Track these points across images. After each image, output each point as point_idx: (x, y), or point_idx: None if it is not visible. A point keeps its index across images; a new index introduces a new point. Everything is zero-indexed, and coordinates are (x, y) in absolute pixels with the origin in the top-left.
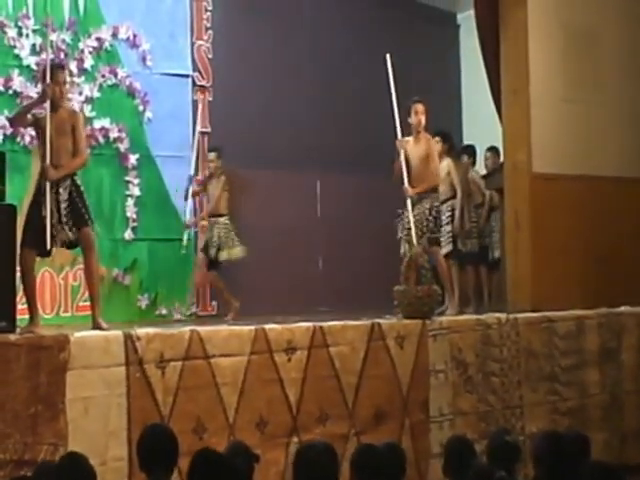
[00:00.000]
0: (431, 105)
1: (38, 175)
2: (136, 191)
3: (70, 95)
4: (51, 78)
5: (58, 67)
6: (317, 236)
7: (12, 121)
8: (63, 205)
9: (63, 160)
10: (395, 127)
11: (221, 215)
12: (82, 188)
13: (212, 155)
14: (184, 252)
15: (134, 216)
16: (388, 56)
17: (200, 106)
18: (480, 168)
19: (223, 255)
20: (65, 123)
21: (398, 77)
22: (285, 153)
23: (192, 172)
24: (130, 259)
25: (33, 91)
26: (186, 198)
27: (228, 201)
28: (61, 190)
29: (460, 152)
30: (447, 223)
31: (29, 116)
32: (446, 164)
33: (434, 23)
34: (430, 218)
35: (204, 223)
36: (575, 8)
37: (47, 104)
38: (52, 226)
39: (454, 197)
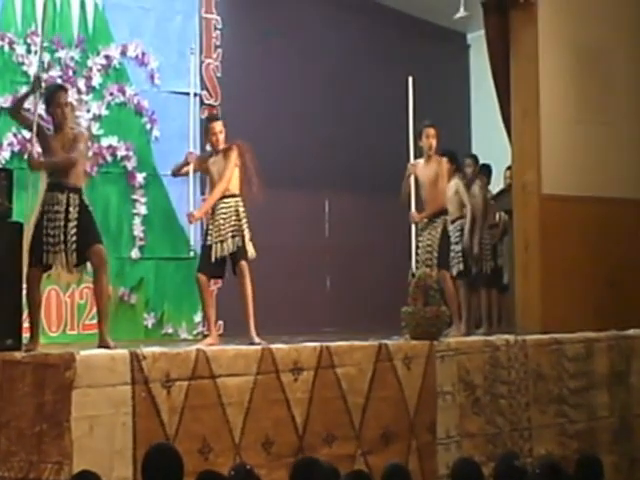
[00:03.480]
0: (439, 126)
1: (45, 192)
2: (143, 210)
3: (78, 113)
4: (53, 100)
5: (59, 88)
6: (325, 256)
7: (11, 111)
8: (71, 224)
9: (78, 178)
10: (408, 149)
11: (233, 195)
12: (91, 208)
13: (218, 124)
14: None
15: (141, 235)
16: (410, 79)
17: None
18: (498, 187)
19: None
20: (70, 142)
21: (407, 97)
22: (294, 172)
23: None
24: (137, 278)
25: (41, 108)
26: (174, 174)
27: (239, 180)
28: (71, 209)
29: (477, 171)
30: (456, 243)
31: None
32: (454, 183)
33: (444, 43)
34: (441, 241)
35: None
36: (586, 28)
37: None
38: (56, 245)
39: (462, 217)
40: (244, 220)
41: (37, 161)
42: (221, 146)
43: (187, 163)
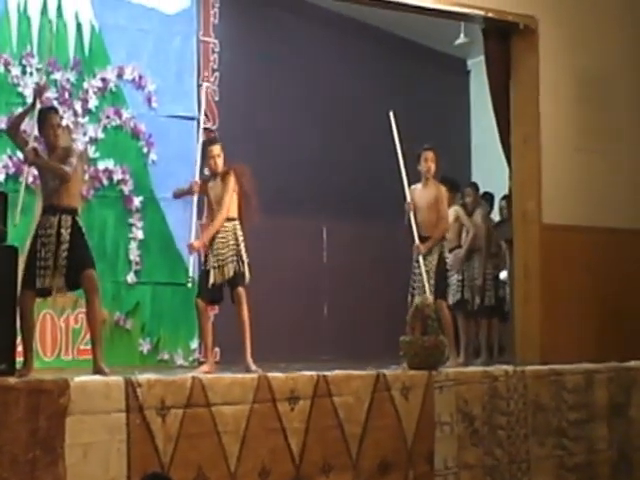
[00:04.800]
0: (439, 153)
1: (39, 216)
2: (140, 234)
3: (74, 136)
4: (45, 122)
5: (51, 110)
6: (323, 282)
7: (9, 130)
8: (63, 247)
9: (72, 198)
10: (402, 185)
11: (231, 219)
12: (84, 230)
13: (217, 148)
14: (190, 286)
15: (137, 259)
16: (392, 113)
17: None
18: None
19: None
20: (62, 159)
21: (407, 123)
22: (292, 197)
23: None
24: (132, 303)
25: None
26: (176, 195)
27: (238, 204)
28: (62, 231)
29: (478, 200)
30: (455, 272)
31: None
32: (453, 210)
33: (444, 69)
34: (438, 268)
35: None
36: (588, 55)
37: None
38: (49, 268)
39: (461, 246)
40: (242, 245)
41: (33, 155)
42: (219, 170)
43: (191, 192)
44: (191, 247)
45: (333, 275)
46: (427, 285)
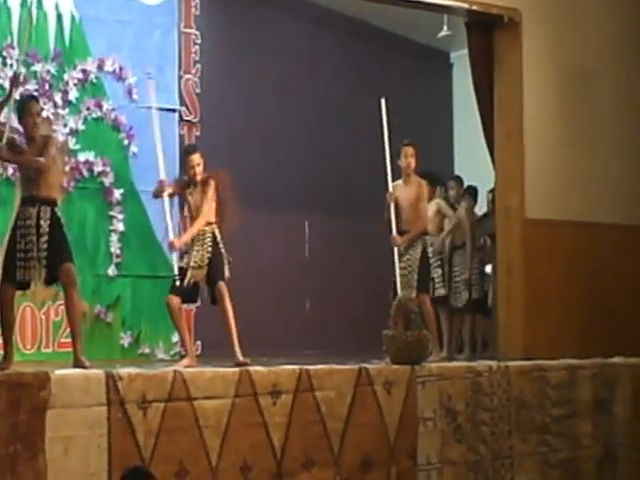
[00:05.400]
0: (421, 146)
1: (18, 207)
2: (120, 226)
3: (54, 127)
4: (24, 110)
5: (31, 98)
6: (305, 278)
7: None
8: (43, 239)
9: (51, 189)
10: (386, 174)
11: (209, 223)
12: (63, 221)
13: (196, 157)
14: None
15: (118, 252)
16: (383, 101)
17: (187, 141)
18: (481, 210)
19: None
20: (41, 148)
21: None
22: (274, 193)
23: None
24: (113, 296)
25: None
26: (156, 196)
27: (216, 210)
28: (42, 222)
29: (462, 193)
30: (438, 266)
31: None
32: (434, 203)
33: (426, 61)
34: (420, 262)
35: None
36: (572, 50)
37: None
38: (28, 260)
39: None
40: (221, 244)
41: (6, 153)
42: (198, 178)
43: (162, 190)
44: (171, 245)
45: (315, 270)
46: (398, 283)
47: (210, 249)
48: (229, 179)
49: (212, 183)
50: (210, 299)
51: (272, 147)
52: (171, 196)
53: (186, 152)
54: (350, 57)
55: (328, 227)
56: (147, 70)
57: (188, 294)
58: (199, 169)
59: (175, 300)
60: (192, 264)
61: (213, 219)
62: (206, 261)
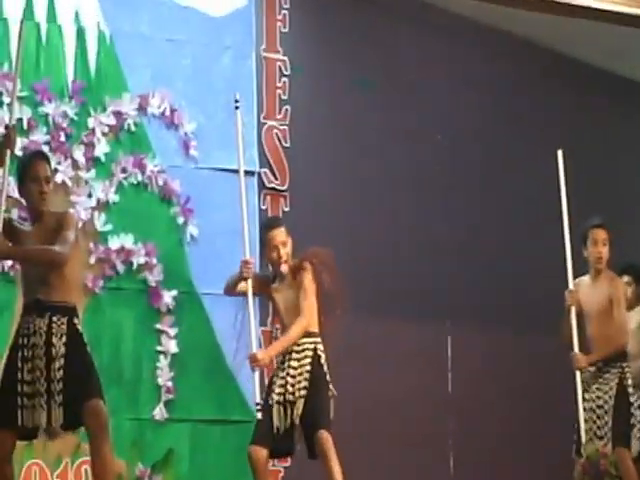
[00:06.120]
0: (615, 220)
1: (19, 317)
2: (172, 346)
3: (74, 198)
4: (27, 174)
5: (36, 156)
6: (446, 423)
7: None
8: (56, 364)
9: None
10: (565, 264)
11: (309, 334)
12: (86, 339)
13: (281, 233)
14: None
15: (169, 384)
16: (560, 153)
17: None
18: None
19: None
20: (51, 231)
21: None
22: (397, 294)
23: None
24: (163, 450)
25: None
26: (231, 289)
27: (318, 311)
28: (54, 340)
29: None
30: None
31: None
32: (637, 312)
33: (619, 96)
34: (617, 401)
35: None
36: None
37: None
38: (34, 396)
39: None
40: (325, 368)
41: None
42: (284, 266)
43: (243, 278)
44: (254, 360)
45: (460, 409)
46: (582, 429)
47: (308, 378)
48: (332, 260)
49: (308, 269)
50: (308, 450)
51: (394, 227)
52: (254, 293)
53: (266, 227)
54: (517, 93)
55: (477, 345)
56: (235, 97)
57: (279, 443)
58: (285, 251)
59: (261, 453)
60: (278, 398)
61: (316, 325)
62: (302, 392)
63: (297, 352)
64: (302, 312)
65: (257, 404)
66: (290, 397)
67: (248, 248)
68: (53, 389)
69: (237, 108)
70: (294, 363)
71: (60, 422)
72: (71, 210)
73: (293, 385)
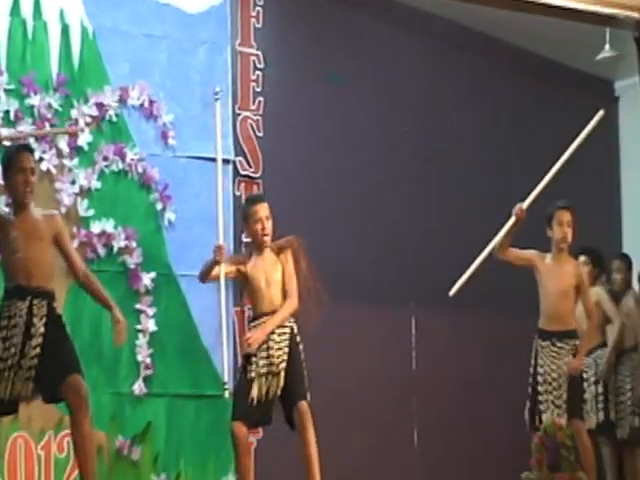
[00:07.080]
0: (579, 206)
1: (1, 300)
2: (151, 325)
3: (58, 185)
4: (11, 166)
5: (20, 150)
6: (410, 401)
7: None
8: (34, 341)
9: (47, 278)
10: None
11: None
12: (64, 319)
13: (264, 207)
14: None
15: (147, 361)
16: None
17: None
18: None
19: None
20: (39, 230)
21: (534, 169)
22: (364, 278)
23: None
24: (141, 423)
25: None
26: (205, 276)
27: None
28: (35, 320)
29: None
30: (595, 382)
31: None
32: (594, 292)
33: (582, 92)
34: (571, 378)
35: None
36: None
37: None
38: (12, 369)
39: (604, 345)
40: (301, 348)
41: None
42: (268, 238)
43: (217, 262)
44: (247, 341)
45: (424, 387)
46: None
47: (287, 352)
48: (304, 249)
49: (289, 250)
50: (287, 421)
51: (362, 214)
52: (227, 277)
53: (251, 202)
54: (482, 84)
55: (440, 326)
56: (215, 90)
57: (257, 415)
58: (269, 225)
59: (244, 429)
60: (262, 371)
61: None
62: (283, 364)
63: (279, 329)
64: (292, 292)
65: (224, 384)
66: (274, 369)
67: (222, 233)
68: (24, 364)
69: (217, 100)
70: (276, 337)
71: (36, 394)
72: (55, 211)
73: (277, 357)
